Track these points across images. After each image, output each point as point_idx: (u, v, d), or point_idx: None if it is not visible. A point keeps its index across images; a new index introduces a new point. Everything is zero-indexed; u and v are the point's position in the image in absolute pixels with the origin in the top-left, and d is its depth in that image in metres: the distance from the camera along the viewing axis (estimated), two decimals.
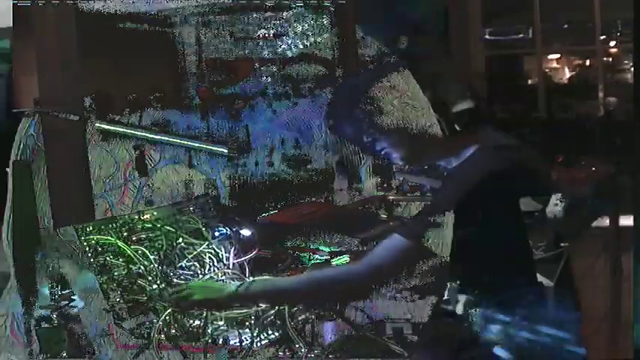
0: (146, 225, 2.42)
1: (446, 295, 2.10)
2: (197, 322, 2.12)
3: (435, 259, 2.09)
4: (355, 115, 2.05)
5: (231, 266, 2.49)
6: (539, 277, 2.25)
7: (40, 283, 2.33)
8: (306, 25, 2.62)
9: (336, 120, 2.18)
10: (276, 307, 2.14)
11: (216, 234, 2.55)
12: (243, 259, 2.51)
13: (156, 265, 2.31)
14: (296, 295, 2.12)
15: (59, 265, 2.31)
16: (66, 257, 2.29)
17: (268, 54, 2.68)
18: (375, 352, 2.04)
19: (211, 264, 2.46)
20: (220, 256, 2.49)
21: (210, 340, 2.04)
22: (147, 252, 2.32)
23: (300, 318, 2.13)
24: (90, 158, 2.55)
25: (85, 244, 2.25)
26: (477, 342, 2.01)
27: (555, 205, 3.29)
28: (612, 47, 9.49)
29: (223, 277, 2.42)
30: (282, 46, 2.66)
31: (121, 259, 2.28)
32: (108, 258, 2.26)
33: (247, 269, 2.50)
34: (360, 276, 2.05)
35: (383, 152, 2.08)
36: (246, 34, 2.65)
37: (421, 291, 2.25)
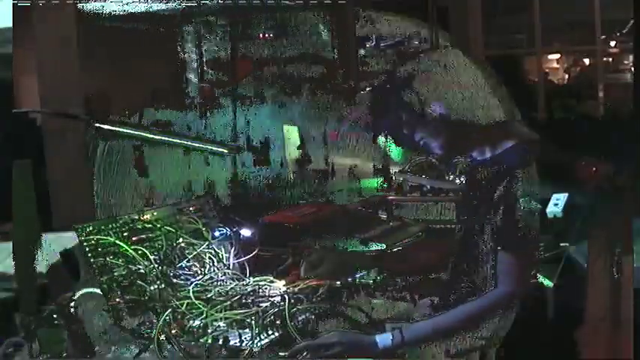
0: (146, 225, 2.42)
1: None
2: (197, 323, 2.12)
3: None
4: (397, 106, 2.00)
5: (231, 266, 2.49)
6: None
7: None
8: None
9: (377, 112, 2.08)
10: (276, 307, 2.13)
11: (216, 234, 2.55)
12: (243, 259, 2.52)
13: (156, 265, 2.31)
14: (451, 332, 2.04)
15: None
16: None
17: None
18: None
19: (211, 264, 2.46)
20: (220, 256, 2.49)
21: (210, 340, 2.04)
22: (147, 252, 2.32)
23: (300, 318, 2.13)
24: None
25: (85, 244, 2.25)
26: None
27: (555, 205, 3.28)
28: (612, 47, 9.48)
29: (223, 278, 2.42)
30: None
31: (121, 259, 2.28)
32: (108, 258, 2.26)
33: (247, 269, 2.50)
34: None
35: (422, 142, 2.04)
36: None
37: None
